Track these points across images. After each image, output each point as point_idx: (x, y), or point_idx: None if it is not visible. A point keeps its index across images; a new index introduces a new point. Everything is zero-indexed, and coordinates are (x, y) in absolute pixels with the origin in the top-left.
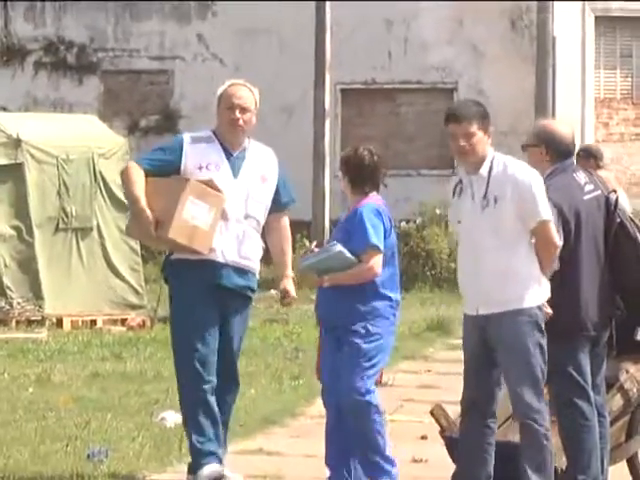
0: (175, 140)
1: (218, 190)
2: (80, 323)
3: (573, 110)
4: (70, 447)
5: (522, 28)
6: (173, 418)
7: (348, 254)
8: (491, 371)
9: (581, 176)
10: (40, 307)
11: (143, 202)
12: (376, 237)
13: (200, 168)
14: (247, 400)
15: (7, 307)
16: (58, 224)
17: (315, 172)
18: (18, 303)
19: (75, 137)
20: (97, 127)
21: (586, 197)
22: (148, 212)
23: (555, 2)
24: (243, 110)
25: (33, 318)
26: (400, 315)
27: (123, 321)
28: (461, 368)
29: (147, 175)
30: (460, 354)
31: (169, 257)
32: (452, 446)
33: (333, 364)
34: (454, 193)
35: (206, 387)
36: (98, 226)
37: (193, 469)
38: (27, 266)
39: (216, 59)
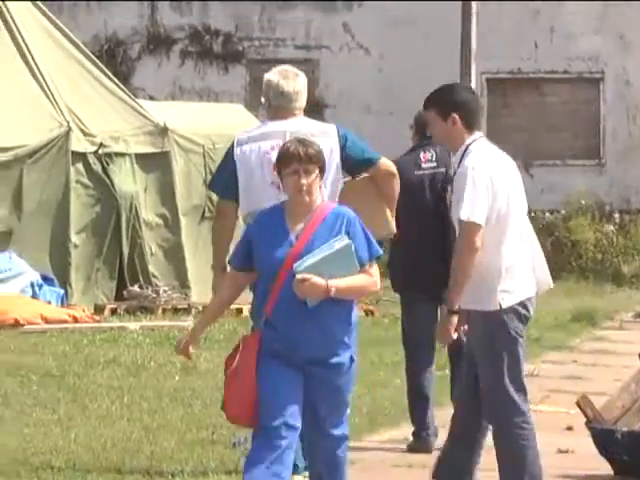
0: None
1: None
2: (226, 311)
3: None
4: (216, 435)
5: None
6: None
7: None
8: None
9: (428, 154)
10: (186, 295)
11: None
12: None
13: None
14: (392, 390)
15: (154, 295)
16: (204, 212)
17: None
18: (164, 291)
19: (221, 126)
20: (243, 116)
21: (417, 172)
22: None
23: None
24: None
25: (179, 306)
26: (545, 305)
27: None
28: (607, 359)
29: None
30: (606, 345)
31: None
32: (598, 437)
33: (296, 399)
34: None
35: None
36: None
37: None
38: (173, 254)
39: (361, 49)
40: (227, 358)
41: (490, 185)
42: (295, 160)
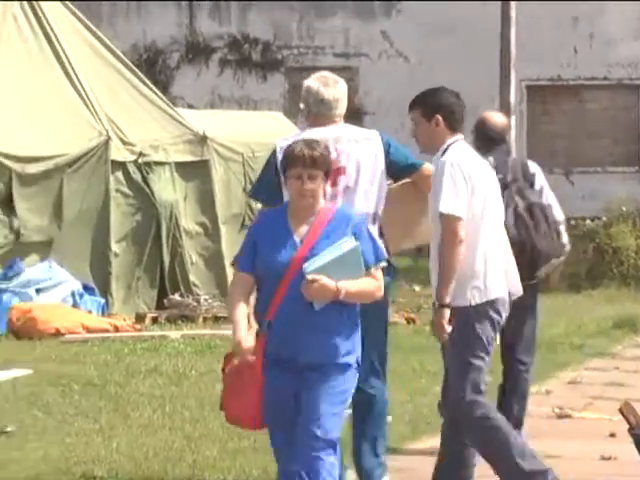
0: None
1: None
2: None
3: None
4: (258, 443)
5: None
6: None
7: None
8: None
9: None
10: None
11: None
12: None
13: None
14: (433, 397)
15: (194, 304)
16: (244, 221)
17: None
18: (205, 300)
19: (260, 134)
20: (282, 124)
21: None
22: None
23: None
24: None
25: (220, 315)
26: (587, 313)
27: None
28: None
29: None
30: None
31: None
32: None
33: (291, 412)
34: None
35: None
36: None
37: None
38: (214, 263)
39: (400, 56)
40: (227, 354)
41: (468, 179)
42: (300, 164)
